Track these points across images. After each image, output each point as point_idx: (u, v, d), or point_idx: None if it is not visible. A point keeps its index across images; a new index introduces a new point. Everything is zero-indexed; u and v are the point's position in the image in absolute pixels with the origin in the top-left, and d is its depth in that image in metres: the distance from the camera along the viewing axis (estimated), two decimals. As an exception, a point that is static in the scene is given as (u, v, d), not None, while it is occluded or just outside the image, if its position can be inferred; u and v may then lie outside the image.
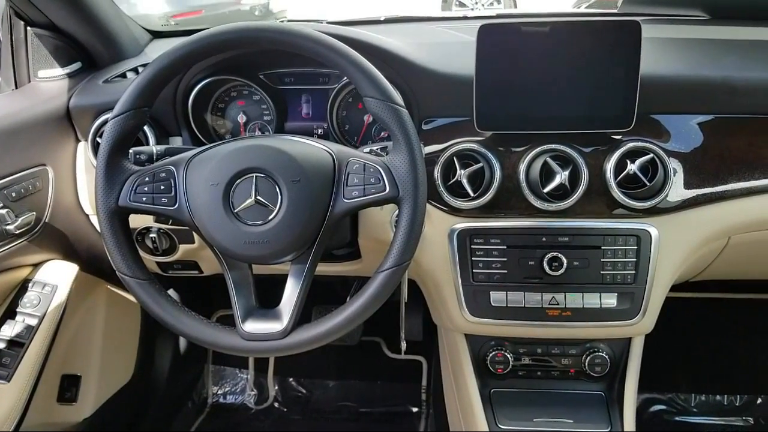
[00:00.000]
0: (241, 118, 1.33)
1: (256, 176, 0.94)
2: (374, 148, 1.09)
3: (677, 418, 2.05)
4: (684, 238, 1.19)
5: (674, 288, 1.27)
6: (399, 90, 0.99)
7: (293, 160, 0.94)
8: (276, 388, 2.22)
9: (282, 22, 1.27)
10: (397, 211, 0.96)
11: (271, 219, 0.94)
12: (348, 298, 0.99)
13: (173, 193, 0.97)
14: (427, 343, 2.02)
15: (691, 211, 1.17)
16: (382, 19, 1.61)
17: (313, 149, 0.97)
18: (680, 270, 1.23)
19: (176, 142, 1.30)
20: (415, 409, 2.14)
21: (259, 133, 1.33)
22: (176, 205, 0.97)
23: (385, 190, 0.94)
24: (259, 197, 0.93)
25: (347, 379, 2.22)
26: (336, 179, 0.95)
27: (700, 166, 1.17)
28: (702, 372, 2.11)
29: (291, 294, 0.98)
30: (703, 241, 1.20)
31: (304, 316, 0.99)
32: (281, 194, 0.93)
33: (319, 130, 1.31)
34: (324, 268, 1.32)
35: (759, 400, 2.06)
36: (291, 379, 2.23)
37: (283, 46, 0.96)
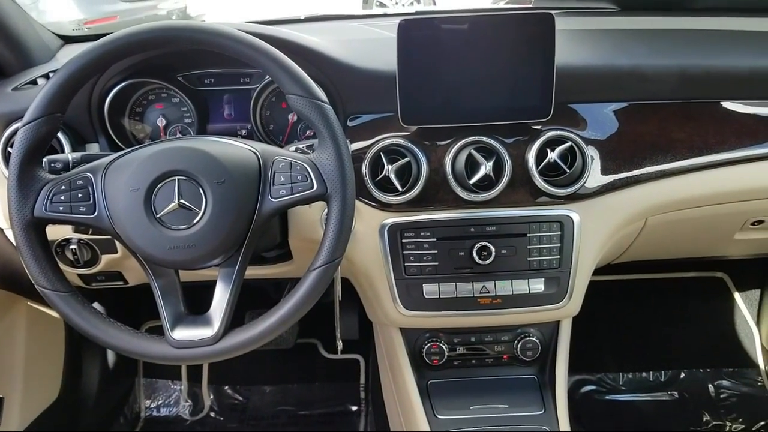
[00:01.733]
0: (161, 122, 1.29)
1: (178, 179, 0.91)
2: (300, 146, 1.09)
3: (607, 397, 2.13)
4: (604, 222, 1.23)
5: (597, 271, 1.32)
6: (322, 87, 0.99)
7: (216, 161, 0.92)
8: (211, 397, 2.17)
9: (200, 22, 1.24)
10: (326, 209, 0.95)
11: (196, 222, 0.91)
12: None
13: (92, 200, 0.94)
14: (363, 341, 2.02)
15: (609, 195, 1.22)
16: (302, 18, 1.60)
17: (237, 149, 0.96)
18: (602, 252, 1.27)
19: (93, 148, 1.25)
20: (354, 408, 2.14)
21: (180, 136, 1.30)
22: (95, 213, 0.94)
23: (312, 187, 0.93)
24: (182, 200, 0.91)
25: (284, 383, 2.20)
26: (262, 179, 0.94)
27: (616, 151, 1.21)
28: (628, 351, 2.20)
29: (221, 298, 0.96)
30: (622, 223, 1.25)
31: (237, 321, 0.97)
32: (205, 196, 0.91)
33: (243, 131, 1.29)
34: (255, 272, 1.30)
35: (682, 375, 2.16)
36: (226, 387, 2.19)
37: (203, 45, 0.94)
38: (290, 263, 1.32)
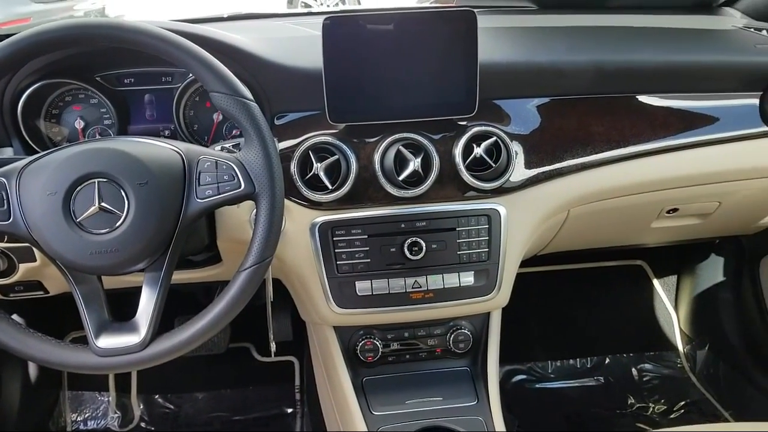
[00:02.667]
0: (79, 124, 1.24)
1: (98, 181, 0.88)
2: (226, 145, 1.07)
3: (537, 385, 2.19)
4: (529, 214, 1.27)
5: (524, 263, 1.36)
6: (247, 85, 0.97)
7: (138, 162, 0.89)
8: (141, 407, 2.11)
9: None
10: (254, 209, 0.94)
11: (119, 226, 0.88)
12: (213, 304, 0.96)
13: (6, 206, 0.89)
14: (297, 342, 2.01)
15: (533, 188, 1.25)
16: (225, 16, 1.57)
17: (160, 149, 0.93)
18: (528, 244, 1.31)
19: (6, 153, 1.19)
20: (289, 410, 2.12)
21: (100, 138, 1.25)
22: (10, 220, 0.89)
23: (240, 186, 0.92)
24: (103, 204, 0.88)
25: (217, 389, 2.15)
26: (187, 179, 0.92)
27: (539, 146, 1.25)
28: (555, 340, 2.27)
29: (147, 304, 0.93)
30: (547, 214, 1.29)
31: (166, 328, 0.95)
32: (128, 199, 0.89)
33: (166, 132, 1.26)
34: (183, 276, 1.27)
35: (607, 360, 2.24)
36: (157, 396, 2.12)
37: (121, 43, 0.91)
38: (219, 266, 1.29)
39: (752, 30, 1.48)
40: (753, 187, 1.43)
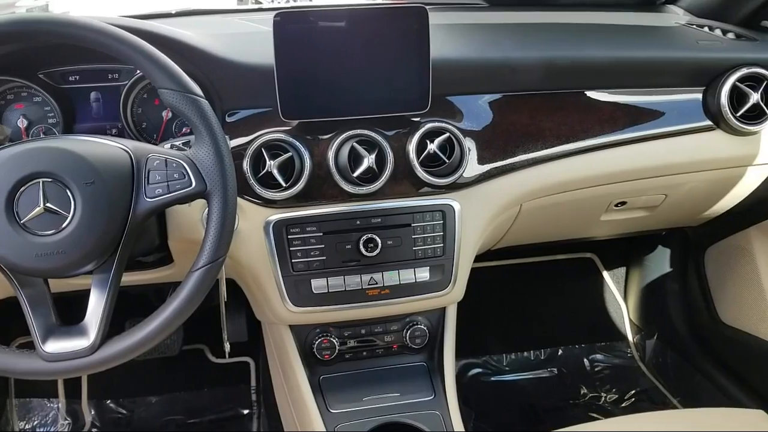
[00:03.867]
0: (22, 123, 1.20)
1: (43, 181, 0.85)
2: (176, 143, 1.05)
3: (493, 378, 2.22)
4: (483, 209, 1.28)
5: (478, 258, 1.37)
6: (197, 82, 0.96)
7: (84, 161, 0.87)
8: (92, 412, 2.05)
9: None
10: (206, 208, 0.93)
11: (65, 227, 0.86)
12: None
13: None
14: (252, 342, 1.99)
15: (486, 183, 1.26)
16: (173, 12, 1.54)
17: (106, 148, 0.91)
18: (482, 238, 1.32)
19: None
20: (246, 411, 2.10)
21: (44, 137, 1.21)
22: None
23: (191, 185, 0.90)
24: (48, 204, 0.85)
25: (172, 392, 2.11)
26: (135, 178, 0.89)
27: (491, 141, 1.26)
28: (510, 333, 2.30)
29: (96, 306, 0.91)
30: (499, 209, 1.31)
31: (117, 332, 0.92)
32: (74, 199, 0.86)
33: (114, 130, 1.23)
34: (133, 278, 1.24)
35: (560, 352, 2.29)
36: (108, 401, 2.07)
37: (65, 39, 0.88)
38: (171, 267, 1.27)
39: (694, 27, 1.53)
40: (697, 179, 1.47)
